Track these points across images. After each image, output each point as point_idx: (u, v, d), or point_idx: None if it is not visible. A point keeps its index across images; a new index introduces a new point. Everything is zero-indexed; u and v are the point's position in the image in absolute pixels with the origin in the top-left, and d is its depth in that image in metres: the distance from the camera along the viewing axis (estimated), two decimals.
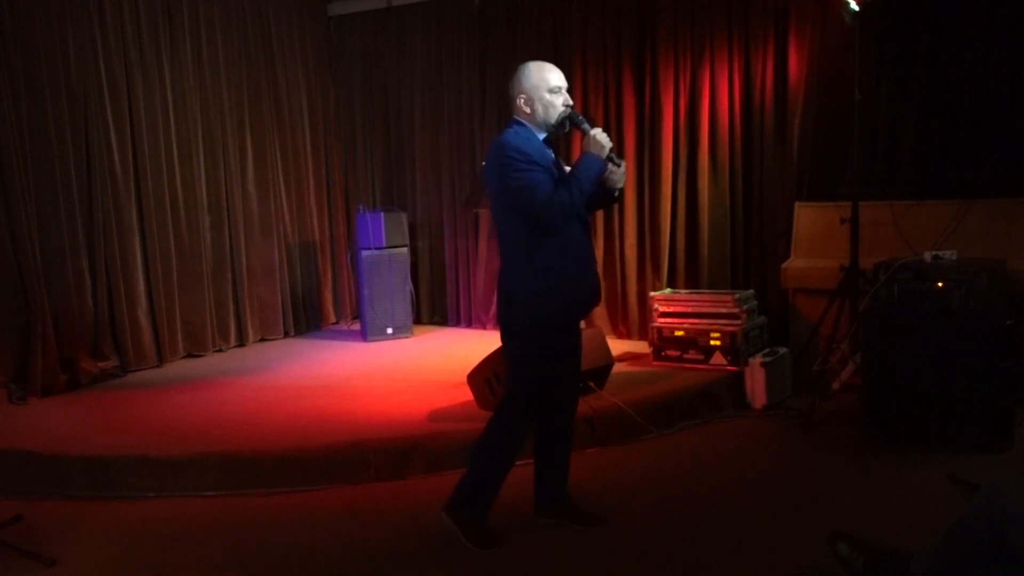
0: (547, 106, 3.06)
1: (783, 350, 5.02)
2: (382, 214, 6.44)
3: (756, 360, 4.80)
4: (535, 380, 3.11)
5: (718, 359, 4.99)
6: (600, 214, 6.20)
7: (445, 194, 6.98)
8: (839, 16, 4.91)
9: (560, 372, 3.17)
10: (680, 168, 5.89)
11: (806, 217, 5.36)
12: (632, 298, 6.14)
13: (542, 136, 3.11)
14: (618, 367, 4.83)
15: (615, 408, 4.34)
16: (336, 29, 7.33)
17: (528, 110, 3.07)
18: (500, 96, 6.59)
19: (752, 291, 5.33)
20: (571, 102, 3.13)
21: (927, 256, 4.31)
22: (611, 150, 3.05)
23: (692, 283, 5.88)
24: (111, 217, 5.42)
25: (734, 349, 4.93)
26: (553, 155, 3.14)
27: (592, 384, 4.45)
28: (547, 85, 3.06)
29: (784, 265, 5.26)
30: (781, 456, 4.07)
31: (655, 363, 5.20)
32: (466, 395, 4.50)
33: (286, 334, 6.72)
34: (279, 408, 4.58)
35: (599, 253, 6.25)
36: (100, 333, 5.39)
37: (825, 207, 5.21)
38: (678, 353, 5.13)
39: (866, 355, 4.20)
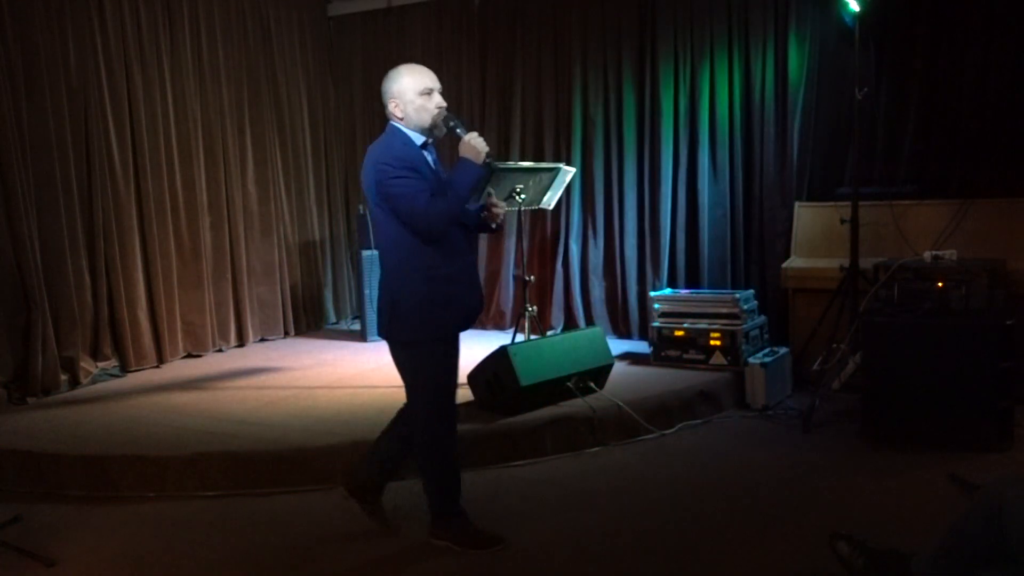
0: (418, 109, 3.01)
1: (783, 350, 5.03)
2: None
3: (756, 360, 4.80)
4: (436, 390, 3.08)
5: (718, 359, 4.99)
6: (600, 214, 6.21)
7: None
8: (839, 16, 4.91)
9: (457, 380, 3.15)
10: (680, 168, 5.89)
11: (806, 217, 5.36)
12: (632, 298, 6.14)
13: (420, 140, 3.06)
14: (618, 367, 4.83)
15: (615, 408, 4.34)
16: (336, 29, 7.33)
17: (400, 115, 3.03)
18: (500, 96, 6.59)
19: (752, 291, 5.33)
20: (444, 104, 3.06)
21: (927, 256, 4.31)
22: (487, 154, 3.00)
23: (692, 283, 5.88)
24: (111, 217, 5.42)
25: (734, 349, 4.93)
26: (433, 159, 3.10)
27: (592, 384, 4.45)
28: (416, 88, 3.01)
29: (784, 265, 5.27)
30: (781, 456, 4.07)
31: (655, 363, 5.20)
32: (466, 395, 4.50)
33: (286, 334, 6.72)
34: (279, 408, 4.58)
35: (599, 253, 6.26)
36: (100, 333, 5.39)
37: (825, 207, 5.22)
38: (678, 353, 5.13)
39: (866, 355, 4.20)
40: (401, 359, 3.10)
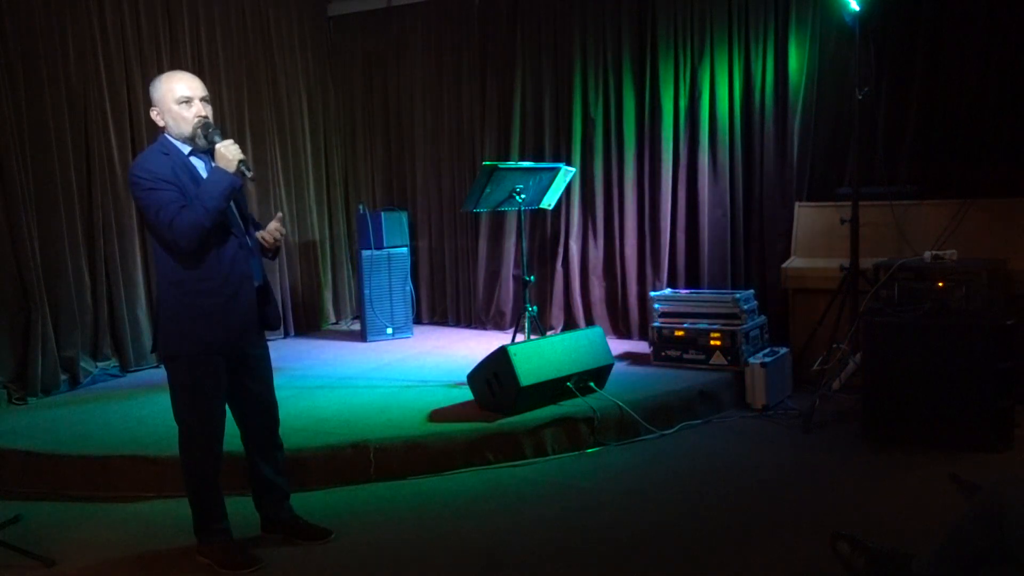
0: (176, 118, 2.93)
1: (783, 350, 5.02)
2: (382, 214, 6.44)
3: (756, 360, 4.80)
4: (192, 406, 3.00)
5: (718, 359, 4.99)
6: (600, 214, 6.21)
7: (445, 194, 6.97)
8: (839, 16, 4.91)
9: (228, 400, 3.09)
10: (680, 168, 5.89)
11: (806, 217, 5.36)
12: (632, 298, 6.14)
13: (188, 149, 2.97)
14: (618, 367, 4.83)
15: (615, 408, 4.34)
16: (336, 29, 7.33)
17: (162, 123, 2.97)
18: (500, 96, 6.59)
19: (752, 291, 5.33)
20: (204, 112, 2.96)
21: (927, 256, 4.31)
22: (242, 162, 2.90)
23: (692, 283, 5.88)
24: (111, 217, 5.42)
25: (734, 349, 4.93)
26: (206, 168, 2.98)
27: (592, 384, 4.45)
28: (173, 96, 2.93)
29: (784, 265, 5.26)
30: (781, 456, 4.07)
31: (655, 363, 5.20)
32: (466, 395, 4.51)
33: (286, 334, 6.72)
34: (280, 408, 4.56)
35: (599, 253, 6.26)
36: (100, 333, 5.38)
37: (825, 207, 5.22)
38: (678, 353, 5.13)
39: (866, 355, 4.20)
40: (166, 372, 3.04)
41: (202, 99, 2.98)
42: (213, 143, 2.94)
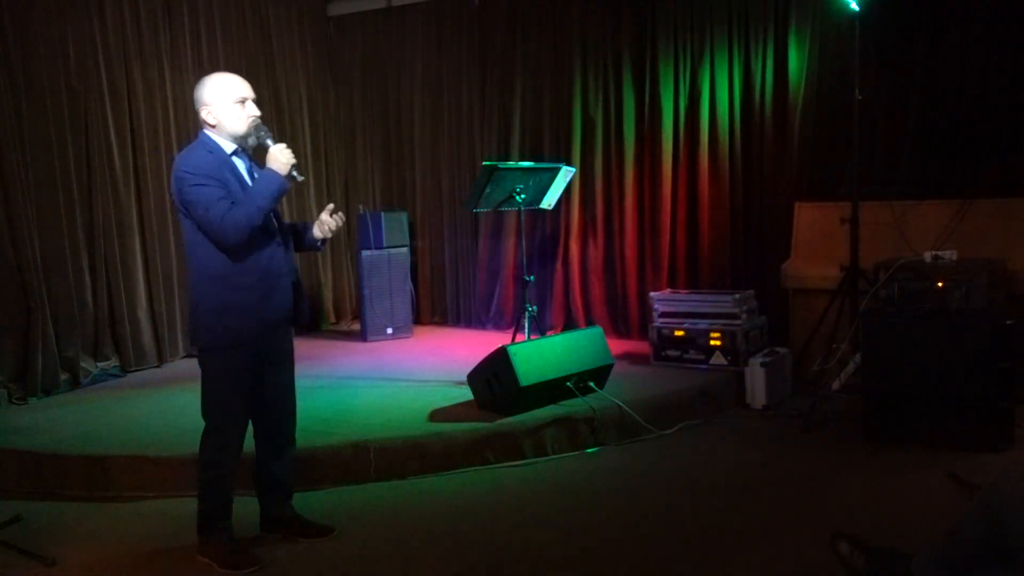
0: (232, 117, 3.00)
1: (783, 350, 5.03)
2: (382, 214, 6.44)
3: (756, 360, 4.80)
4: (222, 405, 3.04)
5: (718, 359, 4.99)
6: (600, 214, 6.21)
7: (445, 194, 6.98)
8: (839, 16, 4.91)
9: (252, 396, 3.09)
10: (680, 168, 5.89)
11: (806, 217, 5.36)
12: (632, 298, 6.14)
13: (231, 148, 3.04)
14: (618, 367, 4.83)
15: (615, 408, 4.34)
16: (336, 29, 7.33)
17: (213, 122, 3.01)
18: (500, 96, 6.60)
19: (752, 291, 5.33)
20: (258, 113, 3.06)
21: (927, 256, 4.31)
22: (293, 166, 2.99)
23: (692, 283, 5.88)
24: (111, 217, 5.42)
25: (734, 349, 4.93)
26: (248, 167, 3.08)
27: (592, 384, 4.45)
28: (232, 95, 3.01)
29: (784, 265, 5.26)
30: (781, 456, 4.07)
31: (655, 363, 5.20)
32: (466, 395, 4.50)
33: None
34: None
35: (599, 253, 6.26)
36: (100, 333, 5.39)
37: (825, 207, 5.22)
38: (678, 353, 5.13)
39: (866, 355, 4.20)
40: (200, 365, 3.08)
41: (253, 100, 3.07)
42: (264, 144, 3.03)
